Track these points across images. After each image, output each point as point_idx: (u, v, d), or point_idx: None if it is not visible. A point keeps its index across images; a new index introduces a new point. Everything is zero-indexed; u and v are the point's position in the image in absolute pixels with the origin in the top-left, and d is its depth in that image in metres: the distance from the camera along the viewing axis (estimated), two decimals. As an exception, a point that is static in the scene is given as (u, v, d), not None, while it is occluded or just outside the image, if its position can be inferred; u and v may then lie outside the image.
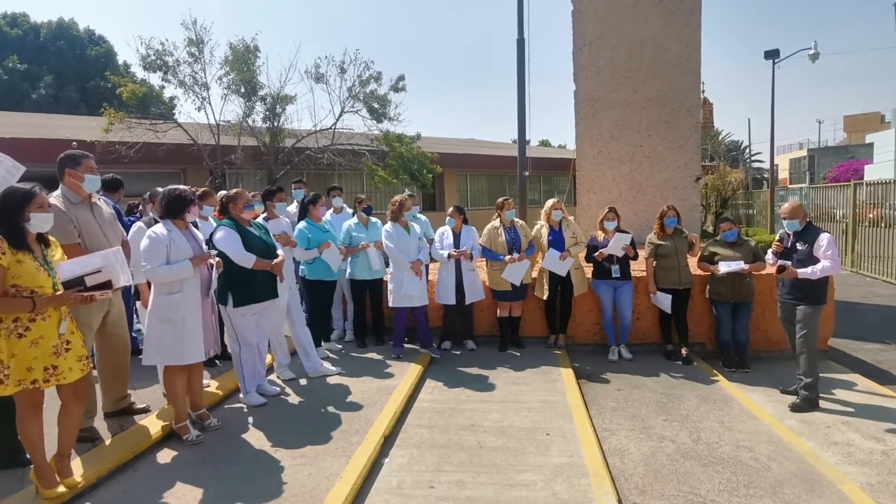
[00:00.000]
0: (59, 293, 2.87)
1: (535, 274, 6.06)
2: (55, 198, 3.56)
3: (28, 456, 3.25)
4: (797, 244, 4.51)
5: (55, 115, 21.57)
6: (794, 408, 4.42)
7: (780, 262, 4.48)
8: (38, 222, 2.87)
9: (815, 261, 4.37)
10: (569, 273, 5.76)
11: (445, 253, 5.73)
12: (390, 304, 5.67)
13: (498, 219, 5.96)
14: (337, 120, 14.91)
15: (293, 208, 6.38)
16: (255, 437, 3.83)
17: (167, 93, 15.10)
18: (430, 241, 6.00)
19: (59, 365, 2.89)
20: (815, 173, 38.47)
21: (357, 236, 5.90)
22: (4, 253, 2.74)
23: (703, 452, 3.69)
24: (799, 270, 4.37)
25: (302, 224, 5.45)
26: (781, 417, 4.28)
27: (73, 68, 30.96)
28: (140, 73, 14.93)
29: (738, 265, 5.20)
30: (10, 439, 3.31)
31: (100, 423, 3.89)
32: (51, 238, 3.08)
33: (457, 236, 5.85)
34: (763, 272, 5.45)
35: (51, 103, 27.80)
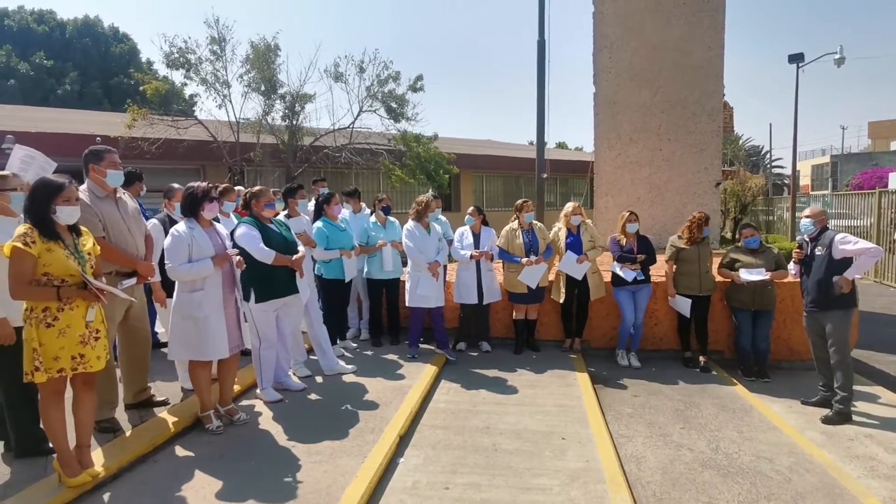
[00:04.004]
0: (85, 289, 2.92)
1: (552, 277, 6.03)
2: (81, 192, 3.62)
3: (51, 444, 3.32)
4: (815, 250, 4.44)
5: (80, 111, 21.96)
6: (827, 420, 4.34)
7: (835, 278, 4.27)
8: (65, 215, 2.93)
9: (837, 262, 4.29)
10: (586, 277, 5.72)
11: (467, 253, 5.73)
12: (407, 304, 5.68)
13: (516, 220, 5.93)
14: (355, 119, 14.99)
15: (312, 206, 6.41)
16: (272, 433, 3.86)
17: (189, 90, 15.38)
18: (450, 243, 6.00)
19: (85, 353, 2.95)
20: (837, 180, 37.75)
21: (374, 235, 5.92)
22: (35, 242, 2.79)
23: (723, 462, 3.64)
24: (846, 273, 4.23)
25: (319, 223, 5.48)
26: (802, 429, 4.21)
27: (97, 65, 31.48)
28: (163, 71, 15.18)
29: (760, 273, 5.12)
30: (34, 428, 3.38)
31: (121, 415, 3.94)
32: (83, 228, 3.13)
33: (476, 236, 5.85)
34: (786, 280, 5.35)
35: (75, 99, 28.29)
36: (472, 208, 6.00)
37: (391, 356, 5.70)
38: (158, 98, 13.56)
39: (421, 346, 5.86)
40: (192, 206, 3.77)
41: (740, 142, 42.59)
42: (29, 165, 4.40)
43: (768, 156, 42.56)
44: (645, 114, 8.69)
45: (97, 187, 3.72)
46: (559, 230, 5.94)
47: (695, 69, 8.54)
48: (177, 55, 13.33)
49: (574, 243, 5.76)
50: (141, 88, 13.99)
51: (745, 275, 5.19)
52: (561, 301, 5.88)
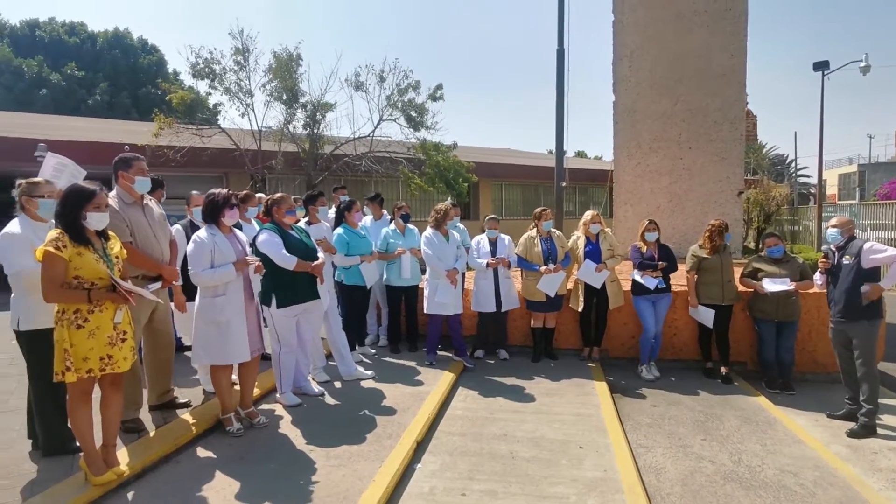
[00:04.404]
0: (114, 292, 2.99)
1: (570, 285, 6.00)
2: (110, 198, 3.73)
3: (78, 443, 3.40)
4: (843, 259, 4.37)
5: (109, 120, 22.57)
6: (852, 434, 4.25)
7: (863, 287, 4.22)
8: (94, 221, 3.02)
9: (867, 272, 4.21)
10: (604, 285, 5.68)
11: (483, 262, 5.74)
12: (425, 311, 5.70)
13: (535, 228, 5.93)
14: (375, 128, 15.18)
15: (332, 213, 6.49)
16: (291, 437, 3.90)
17: (213, 99, 15.70)
18: (468, 250, 6.02)
19: (113, 355, 3.03)
20: (865, 190, 36.90)
21: (394, 243, 5.97)
22: (66, 246, 2.89)
23: (745, 475, 3.57)
24: (882, 282, 4.18)
25: (340, 230, 5.54)
26: (828, 442, 4.12)
27: (126, 76, 32.35)
28: (188, 81, 15.56)
29: (785, 283, 5.03)
30: (61, 427, 3.47)
31: (145, 416, 4.03)
32: (110, 232, 3.23)
33: (493, 244, 5.86)
34: (811, 291, 5.25)
35: (105, 109, 29.08)
36: (490, 220, 5.97)
37: (409, 363, 5.73)
38: (184, 107, 13.91)
39: (439, 353, 5.87)
40: (214, 213, 3.85)
41: (764, 150, 41.92)
42: (61, 173, 4.55)
43: (793, 165, 41.83)
44: (665, 122, 8.64)
45: (125, 194, 3.83)
46: (578, 238, 5.92)
47: (716, 77, 8.47)
48: (202, 66, 13.67)
49: (593, 252, 5.74)
50: (167, 98, 14.35)
51: (769, 285, 5.10)
52: (579, 310, 5.84)
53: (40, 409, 3.46)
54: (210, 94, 15.07)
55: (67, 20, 33.70)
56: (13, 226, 3.39)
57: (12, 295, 3.38)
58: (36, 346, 3.33)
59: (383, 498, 3.09)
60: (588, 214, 5.93)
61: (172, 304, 4.48)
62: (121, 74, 32.12)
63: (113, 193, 3.79)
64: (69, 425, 3.31)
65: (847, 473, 3.61)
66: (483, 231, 6.03)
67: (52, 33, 32.11)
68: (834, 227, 4.50)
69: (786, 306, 5.16)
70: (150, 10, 79.83)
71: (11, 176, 4.13)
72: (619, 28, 8.75)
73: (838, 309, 4.40)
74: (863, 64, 18.69)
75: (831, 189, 42.37)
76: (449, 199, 8.39)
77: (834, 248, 4.51)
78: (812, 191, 36.56)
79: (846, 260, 4.34)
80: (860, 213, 14.66)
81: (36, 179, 3.58)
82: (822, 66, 19.07)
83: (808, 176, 43.85)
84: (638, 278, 5.47)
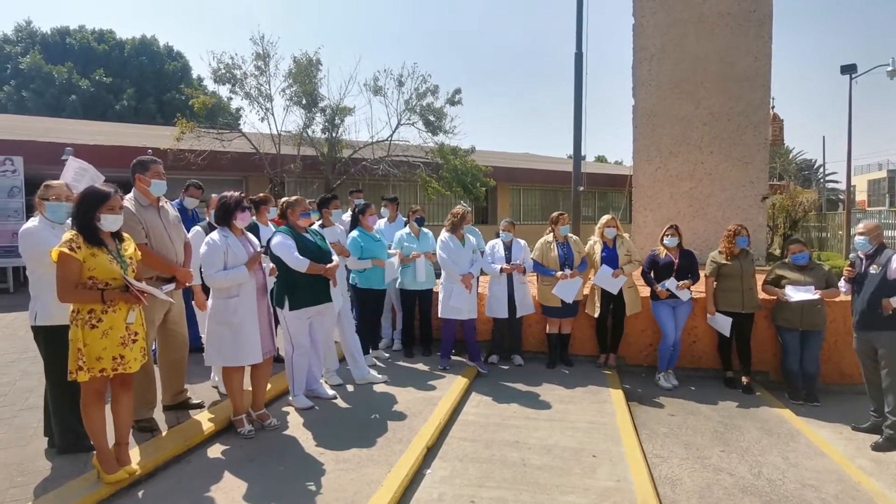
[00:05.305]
0: (127, 292, 3.03)
1: (586, 291, 5.91)
2: (127, 200, 3.78)
3: (91, 442, 3.44)
4: (870, 268, 4.21)
5: (134, 125, 23.06)
6: (877, 447, 4.10)
7: (885, 300, 4.05)
8: (108, 223, 3.06)
9: (891, 283, 4.05)
10: (621, 291, 5.58)
11: (498, 267, 5.68)
12: (439, 315, 5.67)
13: (551, 233, 5.87)
14: (393, 132, 15.21)
15: (347, 216, 6.51)
16: (302, 439, 3.90)
17: (234, 104, 15.90)
18: (483, 254, 5.98)
19: (125, 355, 3.07)
20: (895, 196, 35.87)
21: (408, 246, 5.95)
22: (80, 247, 2.93)
23: (765, 489, 3.45)
24: (893, 299, 4.02)
25: (354, 233, 5.55)
26: (852, 456, 3.97)
27: (152, 81, 33.04)
28: (211, 86, 15.80)
29: (809, 292, 4.88)
30: (77, 426, 3.50)
31: (158, 416, 4.06)
32: (124, 234, 3.27)
33: (508, 249, 5.81)
34: (837, 299, 5.08)
35: (131, 114, 29.73)
36: (506, 223, 5.92)
37: (422, 367, 5.69)
38: (205, 112, 14.13)
39: (453, 357, 5.83)
40: (226, 216, 3.88)
41: (791, 155, 41.04)
42: (81, 177, 4.68)
43: (822, 170, 40.87)
44: (686, 126, 8.50)
45: (142, 196, 3.88)
46: (595, 243, 5.83)
47: (740, 80, 8.31)
48: (224, 71, 13.88)
49: (610, 257, 5.64)
50: (190, 103, 14.60)
51: (793, 293, 4.95)
52: (596, 315, 5.75)
53: (56, 407, 3.51)
54: (231, 98, 15.32)
55: (97, 28, 34.59)
56: (31, 223, 3.48)
57: (31, 292, 3.45)
58: (52, 343, 3.38)
59: (391, 503, 3.06)
60: (604, 219, 5.84)
61: (193, 303, 4.54)
62: (147, 80, 32.82)
63: (130, 196, 3.84)
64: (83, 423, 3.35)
65: (871, 488, 3.47)
66: (497, 235, 5.98)
67: (81, 41, 32.96)
68: (862, 234, 4.33)
69: (811, 315, 5.00)
70: (176, 17, 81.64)
71: (42, 179, 4.23)
72: (640, 31, 8.65)
73: (859, 318, 4.25)
74: (890, 68, 18.21)
75: (861, 195, 41.34)
76: (464, 202, 8.37)
77: (862, 256, 4.36)
78: (841, 197, 35.65)
79: (873, 269, 4.18)
80: (890, 219, 14.20)
81: (52, 182, 3.66)
82: (849, 70, 18.62)
83: (836, 182, 42.79)
84: (674, 290, 5.25)
